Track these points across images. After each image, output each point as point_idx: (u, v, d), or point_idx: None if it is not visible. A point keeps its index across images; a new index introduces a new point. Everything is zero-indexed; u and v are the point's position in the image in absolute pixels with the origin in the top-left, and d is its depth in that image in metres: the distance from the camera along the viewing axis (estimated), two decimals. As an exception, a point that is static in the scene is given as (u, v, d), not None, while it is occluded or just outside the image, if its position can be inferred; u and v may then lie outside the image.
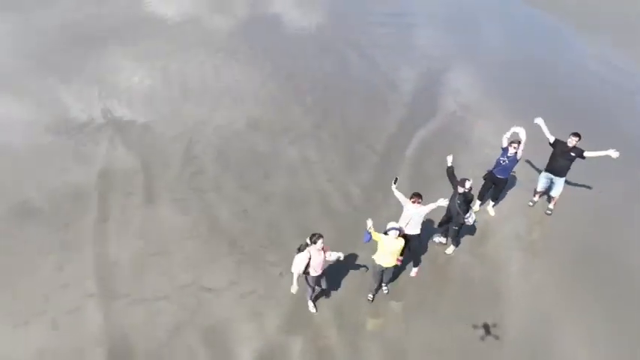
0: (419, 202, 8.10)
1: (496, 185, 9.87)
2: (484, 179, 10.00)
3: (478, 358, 7.75)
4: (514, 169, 9.81)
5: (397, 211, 8.55)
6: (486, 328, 8.08)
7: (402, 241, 7.78)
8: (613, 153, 9.16)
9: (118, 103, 12.93)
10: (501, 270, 9.17)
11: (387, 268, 7.98)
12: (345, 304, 8.36)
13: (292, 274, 7.45)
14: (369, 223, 7.54)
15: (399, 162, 11.62)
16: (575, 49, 17.24)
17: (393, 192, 8.44)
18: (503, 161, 9.45)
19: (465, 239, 9.62)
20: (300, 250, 7.39)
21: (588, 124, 12.21)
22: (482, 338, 7.98)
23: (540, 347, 7.95)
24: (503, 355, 7.81)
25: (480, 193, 10.08)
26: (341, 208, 10.29)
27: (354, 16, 18.49)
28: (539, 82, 14.99)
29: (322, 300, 8.39)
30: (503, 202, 10.54)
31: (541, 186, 10.16)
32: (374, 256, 7.98)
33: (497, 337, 7.97)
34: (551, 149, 9.70)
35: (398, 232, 7.68)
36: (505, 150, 9.44)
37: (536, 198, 10.48)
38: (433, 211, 8.24)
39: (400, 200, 8.36)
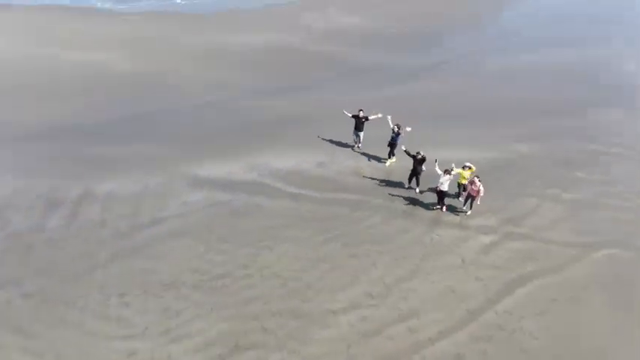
0: (449, 173, 15.83)
1: (392, 147, 18.42)
2: (388, 145, 18.49)
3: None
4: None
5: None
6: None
7: (470, 170, 16.08)
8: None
9: None
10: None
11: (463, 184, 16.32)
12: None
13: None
14: (453, 165, 15.81)
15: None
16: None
17: (436, 168, 15.72)
18: (393, 137, 17.98)
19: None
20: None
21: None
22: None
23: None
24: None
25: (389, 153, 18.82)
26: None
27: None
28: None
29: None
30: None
31: (354, 138, 19.60)
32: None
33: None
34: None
35: (468, 167, 16.04)
36: (393, 130, 17.81)
37: (356, 146, 19.79)
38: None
39: (439, 172, 15.73)
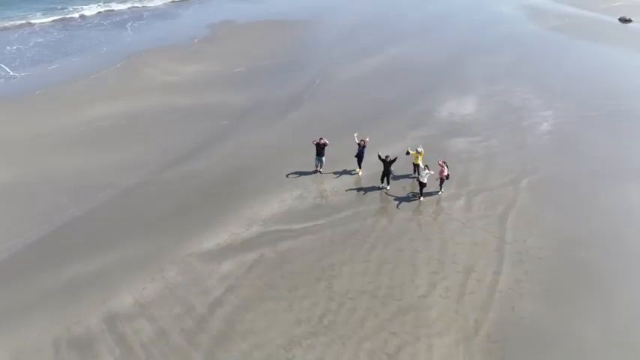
0: (427, 169, 19.73)
1: (360, 159, 21.53)
2: (356, 156, 21.72)
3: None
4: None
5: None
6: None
7: (421, 154, 20.47)
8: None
9: None
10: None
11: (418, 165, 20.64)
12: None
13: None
14: (408, 149, 20.56)
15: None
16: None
17: (420, 165, 19.59)
18: (360, 150, 21.12)
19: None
20: None
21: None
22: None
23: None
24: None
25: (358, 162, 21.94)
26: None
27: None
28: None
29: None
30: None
31: (315, 163, 22.19)
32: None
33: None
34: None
35: (416, 150, 20.43)
36: (359, 144, 20.83)
37: (319, 170, 22.34)
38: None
39: (422, 166, 19.89)
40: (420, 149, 21.21)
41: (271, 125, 27.21)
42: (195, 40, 40.35)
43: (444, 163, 20.41)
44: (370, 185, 21.60)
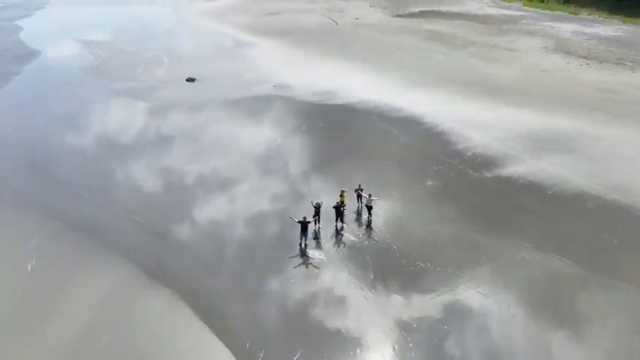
0: (369, 196, 27.18)
1: (319, 215, 26.53)
2: (315, 216, 26.38)
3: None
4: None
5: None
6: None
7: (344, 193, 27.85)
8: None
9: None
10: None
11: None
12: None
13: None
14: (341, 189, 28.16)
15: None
16: None
17: (369, 197, 27.29)
18: (317, 209, 26.13)
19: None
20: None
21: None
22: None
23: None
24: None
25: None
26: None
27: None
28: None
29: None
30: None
31: (301, 236, 25.22)
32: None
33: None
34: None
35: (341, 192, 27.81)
36: (315, 206, 25.91)
37: (304, 244, 25.56)
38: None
39: (367, 197, 27.25)
40: (342, 190, 28.28)
41: (208, 268, 25.18)
42: None
43: (360, 185, 29.47)
44: (332, 231, 27.53)
